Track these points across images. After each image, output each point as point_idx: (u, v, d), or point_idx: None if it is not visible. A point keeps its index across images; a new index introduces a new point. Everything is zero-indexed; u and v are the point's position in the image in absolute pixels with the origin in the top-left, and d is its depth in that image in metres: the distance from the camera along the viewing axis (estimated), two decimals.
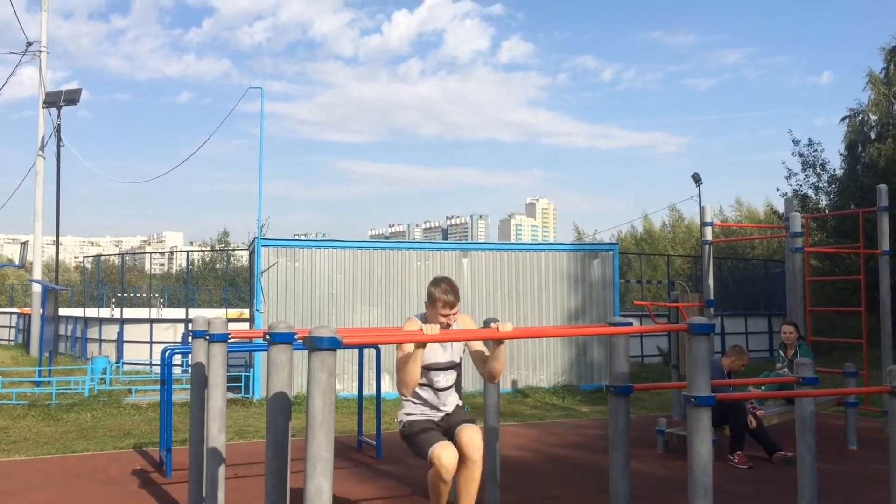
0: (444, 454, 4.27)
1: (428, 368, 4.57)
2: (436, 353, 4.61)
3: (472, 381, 12.19)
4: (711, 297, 9.87)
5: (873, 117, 23.60)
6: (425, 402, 4.64)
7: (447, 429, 4.56)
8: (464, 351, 4.73)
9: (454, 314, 4.53)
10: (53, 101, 22.09)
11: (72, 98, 22.15)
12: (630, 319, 4.20)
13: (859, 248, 10.50)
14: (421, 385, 4.60)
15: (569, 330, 5.07)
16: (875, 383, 9.04)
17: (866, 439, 8.02)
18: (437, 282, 4.56)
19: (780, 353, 8.79)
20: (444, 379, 4.64)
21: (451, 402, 4.71)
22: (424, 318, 4.59)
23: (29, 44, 23.11)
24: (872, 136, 23.04)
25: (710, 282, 9.94)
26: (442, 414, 4.65)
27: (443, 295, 4.46)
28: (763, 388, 8.16)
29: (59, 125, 21.96)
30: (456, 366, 4.73)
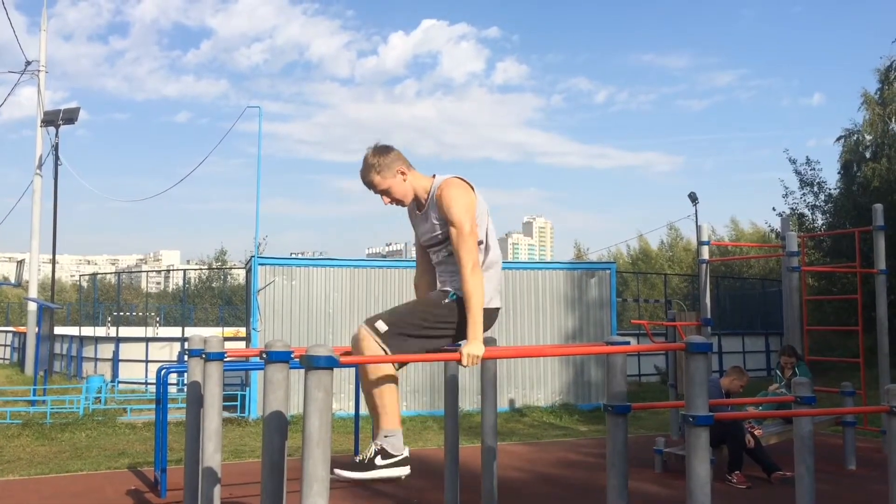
0: None
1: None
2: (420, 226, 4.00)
3: (470, 400, 12.15)
4: (709, 316, 9.88)
5: (868, 137, 23.76)
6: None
7: None
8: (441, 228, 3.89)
9: (385, 197, 3.86)
10: (51, 119, 22.13)
11: (70, 117, 22.18)
12: (627, 338, 4.16)
13: (856, 267, 10.51)
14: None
15: (566, 349, 5.05)
16: (873, 402, 9.03)
17: (865, 459, 7.99)
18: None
19: (778, 372, 8.78)
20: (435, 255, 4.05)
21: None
22: None
23: (28, 63, 23.23)
24: (867, 155, 23.19)
25: (708, 300, 9.95)
26: None
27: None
28: (760, 407, 8.15)
29: (56, 144, 21.99)
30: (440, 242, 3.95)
